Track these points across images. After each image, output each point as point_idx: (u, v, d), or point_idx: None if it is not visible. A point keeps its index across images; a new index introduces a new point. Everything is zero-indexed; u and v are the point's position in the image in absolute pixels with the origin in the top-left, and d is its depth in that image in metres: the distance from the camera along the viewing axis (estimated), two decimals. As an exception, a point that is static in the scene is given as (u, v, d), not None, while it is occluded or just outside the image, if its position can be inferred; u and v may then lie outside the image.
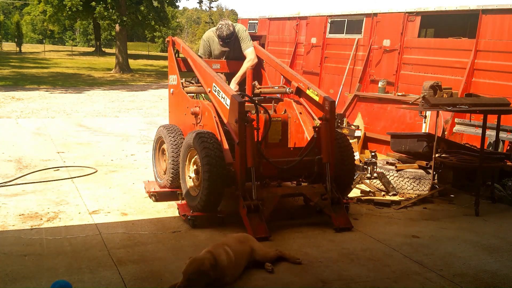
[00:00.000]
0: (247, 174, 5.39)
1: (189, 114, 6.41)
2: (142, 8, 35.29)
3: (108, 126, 12.50)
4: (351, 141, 7.00)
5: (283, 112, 6.63)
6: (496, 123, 6.94)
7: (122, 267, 4.40)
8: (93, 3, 34.07)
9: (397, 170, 7.28)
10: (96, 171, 7.86)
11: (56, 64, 37.71)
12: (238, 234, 4.65)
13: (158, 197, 6.45)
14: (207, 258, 3.92)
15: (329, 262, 4.65)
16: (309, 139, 6.00)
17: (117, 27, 33.96)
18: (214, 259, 3.94)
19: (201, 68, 6.49)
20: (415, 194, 7.13)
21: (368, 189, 7.25)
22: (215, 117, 5.92)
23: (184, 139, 6.07)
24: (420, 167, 7.29)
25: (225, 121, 5.74)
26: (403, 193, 7.21)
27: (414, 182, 7.18)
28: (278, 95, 7.04)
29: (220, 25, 6.89)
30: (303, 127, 6.28)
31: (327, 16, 12.31)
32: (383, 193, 7.17)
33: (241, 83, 6.97)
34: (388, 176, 7.28)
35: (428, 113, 8.42)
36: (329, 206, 5.58)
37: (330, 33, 12.26)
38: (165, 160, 6.65)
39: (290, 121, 6.45)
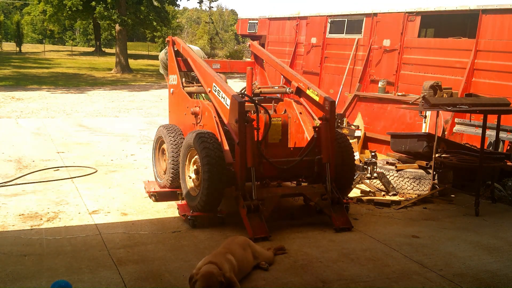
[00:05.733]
0: (247, 174, 5.39)
1: (189, 114, 6.41)
2: (143, 8, 35.29)
3: (108, 126, 12.49)
4: (351, 141, 7.00)
5: (283, 112, 6.63)
6: (496, 123, 6.95)
7: (122, 267, 4.40)
8: (93, 3, 34.07)
9: (397, 170, 7.28)
10: (96, 171, 7.86)
11: (57, 64, 37.72)
12: (238, 239, 4.55)
13: (158, 197, 6.45)
14: (214, 268, 3.82)
15: (329, 262, 4.65)
16: (309, 139, 6.00)
17: (117, 27, 33.96)
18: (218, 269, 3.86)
19: (201, 68, 6.50)
20: (415, 194, 7.13)
21: (368, 189, 7.25)
22: (215, 117, 5.92)
23: (184, 139, 6.07)
24: (420, 167, 7.29)
25: (225, 121, 5.74)
26: (403, 193, 7.21)
27: (414, 182, 7.18)
28: (278, 95, 7.05)
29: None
30: (303, 127, 6.28)
31: (327, 16, 12.31)
32: (383, 193, 7.17)
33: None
34: (388, 176, 7.28)
35: (428, 113, 8.42)
36: (329, 206, 5.58)
37: (330, 33, 12.26)
38: (165, 160, 6.65)
39: (290, 121, 6.45)
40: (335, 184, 5.75)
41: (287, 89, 6.75)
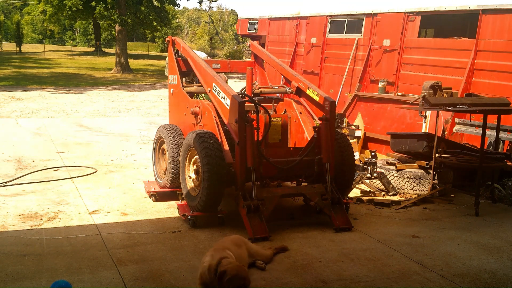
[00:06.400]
0: (247, 174, 5.39)
1: (189, 114, 6.42)
2: (143, 8, 35.30)
3: (108, 126, 12.50)
4: (351, 141, 7.00)
5: (283, 112, 6.63)
6: (496, 123, 6.95)
7: (122, 267, 4.40)
8: (93, 3, 34.08)
9: (397, 170, 7.28)
10: (96, 171, 7.86)
11: (57, 64, 37.72)
12: (232, 237, 4.57)
13: (158, 197, 6.45)
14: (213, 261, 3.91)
15: (329, 262, 4.65)
16: (309, 139, 6.01)
17: (117, 27, 33.96)
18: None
19: (201, 68, 6.50)
20: (415, 194, 7.13)
21: (368, 189, 7.25)
22: (215, 117, 5.92)
23: (184, 139, 6.07)
24: (420, 167, 7.29)
25: (225, 121, 5.74)
26: (403, 193, 7.21)
27: (414, 182, 7.18)
28: (278, 95, 7.05)
29: None
30: (303, 127, 6.28)
31: (327, 16, 12.31)
32: (383, 193, 7.17)
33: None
34: (388, 176, 7.28)
35: (428, 113, 8.42)
36: (329, 206, 5.58)
37: (330, 33, 12.26)
38: (165, 160, 6.65)
39: (290, 121, 6.46)
40: (335, 184, 5.75)
41: (287, 89, 6.75)
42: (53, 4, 36.07)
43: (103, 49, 55.79)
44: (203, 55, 8.21)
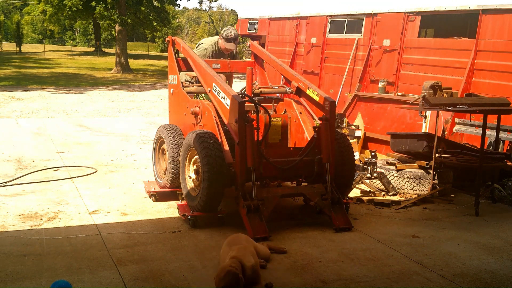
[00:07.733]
0: (247, 174, 5.39)
1: (189, 114, 6.41)
2: (143, 8, 35.31)
3: (108, 126, 12.50)
4: (351, 141, 7.00)
5: (283, 112, 6.63)
6: (496, 123, 6.95)
7: (122, 267, 4.40)
8: (93, 3, 34.10)
9: (397, 170, 7.28)
10: (96, 171, 7.86)
11: (57, 64, 37.73)
12: (241, 236, 4.61)
13: (158, 197, 6.45)
14: (234, 262, 3.98)
15: (329, 262, 4.65)
16: (309, 139, 6.00)
17: (117, 27, 33.97)
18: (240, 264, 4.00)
19: (201, 68, 6.50)
20: (415, 194, 7.13)
21: (368, 189, 7.25)
22: (215, 117, 5.92)
23: (184, 139, 6.08)
24: (420, 167, 7.29)
25: (225, 121, 5.74)
26: (403, 193, 7.21)
27: (414, 182, 7.18)
28: (278, 95, 7.05)
29: (228, 28, 7.69)
30: (303, 127, 6.28)
31: (327, 16, 12.31)
32: (383, 193, 7.17)
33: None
34: (388, 176, 7.28)
35: (428, 113, 8.42)
36: (329, 206, 5.58)
37: (330, 33, 12.27)
38: (165, 160, 6.66)
39: (290, 121, 6.46)
40: (335, 184, 5.75)
41: (287, 89, 6.75)
42: (53, 4, 36.11)
43: (103, 49, 55.80)
44: None
